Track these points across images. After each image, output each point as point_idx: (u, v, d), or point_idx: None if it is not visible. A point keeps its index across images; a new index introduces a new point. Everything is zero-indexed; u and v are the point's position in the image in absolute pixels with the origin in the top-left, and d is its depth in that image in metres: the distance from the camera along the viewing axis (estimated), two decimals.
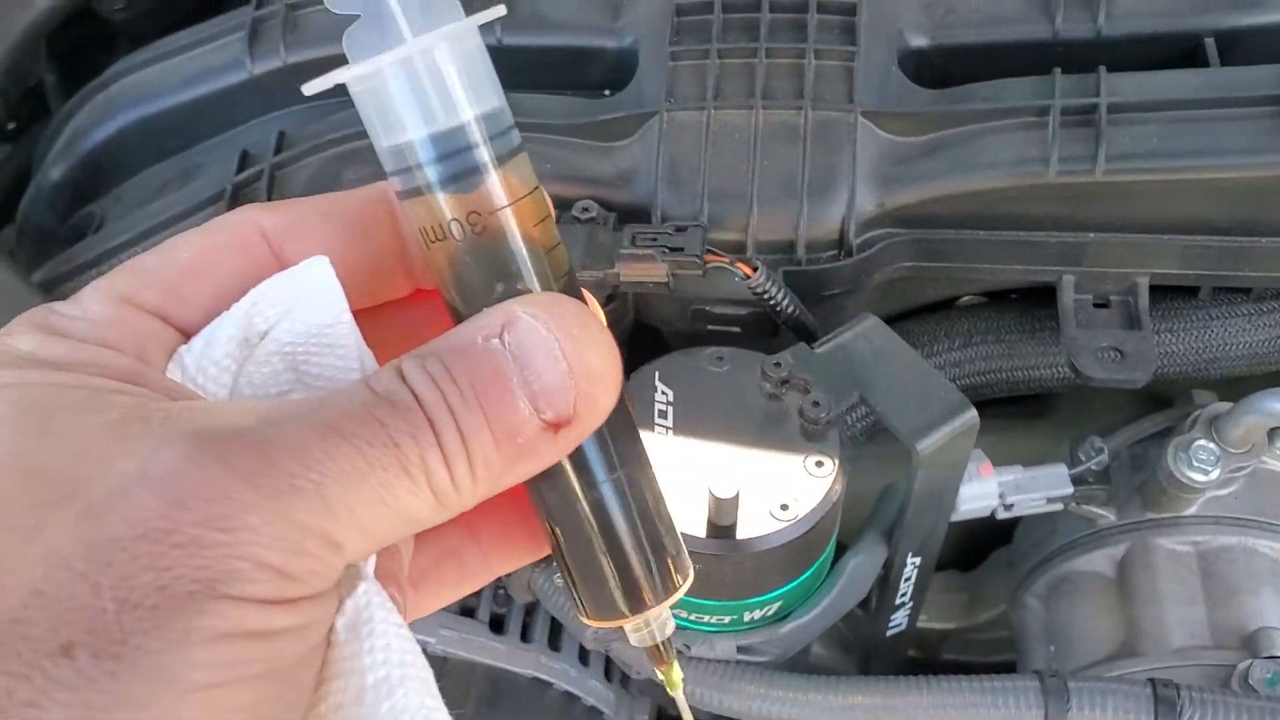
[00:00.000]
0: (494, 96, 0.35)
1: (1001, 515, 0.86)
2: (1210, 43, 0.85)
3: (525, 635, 0.89)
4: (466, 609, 0.90)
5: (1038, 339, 0.87)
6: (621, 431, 0.37)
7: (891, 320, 0.81)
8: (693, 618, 0.76)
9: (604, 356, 0.34)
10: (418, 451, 0.31)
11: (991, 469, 0.84)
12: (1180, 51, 0.86)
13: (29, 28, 0.98)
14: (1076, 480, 0.86)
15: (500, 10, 0.37)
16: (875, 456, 0.81)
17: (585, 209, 0.81)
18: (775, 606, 0.76)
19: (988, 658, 1.04)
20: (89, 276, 0.87)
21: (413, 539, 0.38)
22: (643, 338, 0.89)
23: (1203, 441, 0.82)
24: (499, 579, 0.88)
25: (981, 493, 0.84)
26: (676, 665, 0.43)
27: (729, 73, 0.83)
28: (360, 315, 0.37)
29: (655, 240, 0.77)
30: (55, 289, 0.87)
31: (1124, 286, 0.83)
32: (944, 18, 0.88)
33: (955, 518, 0.83)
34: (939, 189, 0.80)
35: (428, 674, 0.34)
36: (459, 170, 0.34)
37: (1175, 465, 0.82)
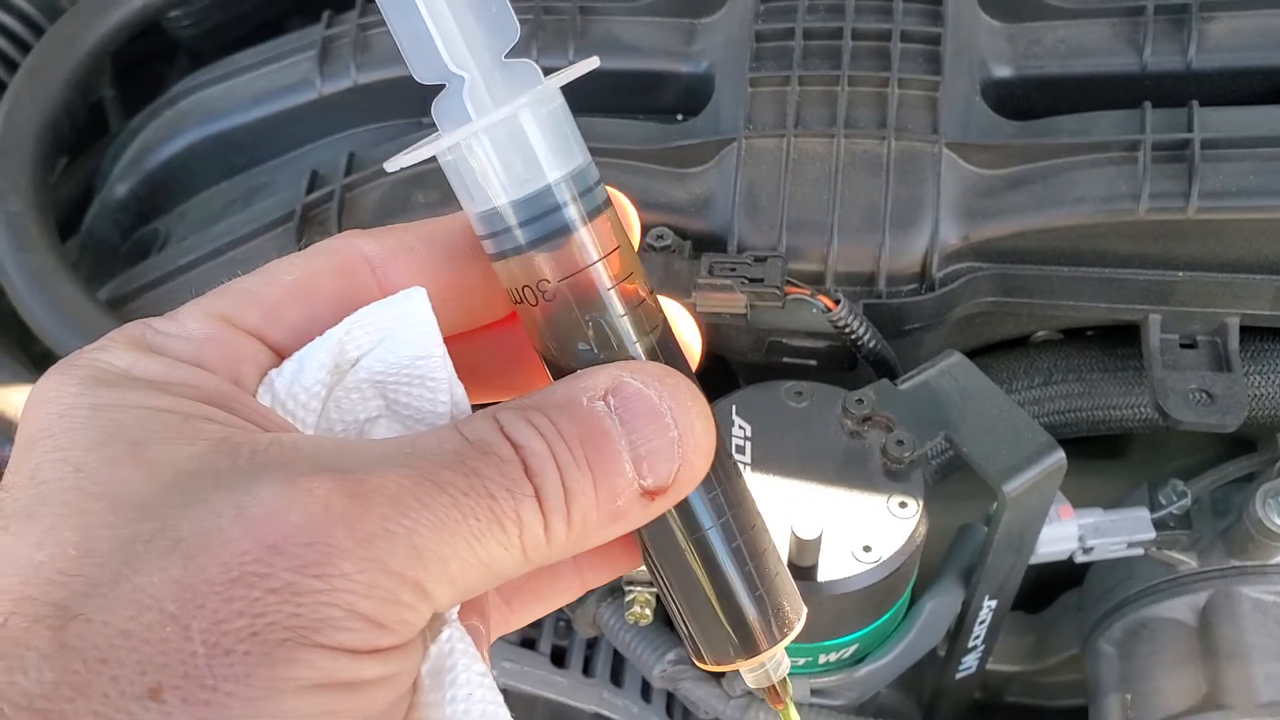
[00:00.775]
0: (578, 154, 0.36)
1: (1080, 559, 0.84)
2: None
3: (587, 669, 0.87)
4: (527, 640, 0.89)
5: (1119, 379, 0.84)
6: (726, 476, 0.38)
7: (969, 356, 0.79)
8: None
9: (708, 427, 0.35)
10: (513, 504, 0.31)
11: (1071, 511, 0.82)
12: (1271, 87, 0.84)
13: (98, 42, 0.97)
14: (1157, 524, 0.84)
15: (583, 68, 0.36)
16: (949, 495, 0.79)
17: (660, 236, 0.79)
18: (852, 649, 0.74)
19: (1053, 701, 1.02)
20: (155, 296, 0.87)
21: None
22: (710, 367, 0.88)
23: None
24: (561, 611, 0.87)
25: (1061, 535, 0.82)
26: (792, 705, 0.43)
27: (809, 100, 0.81)
28: (455, 337, 0.37)
29: (734, 270, 0.76)
30: (122, 308, 0.86)
31: (1212, 327, 0.80)
32: (1028, 48, 0.86)
33: (1033, 560, 0.81)
34: (1025, 224, 0.78)
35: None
36: (545, 232, 0.35)
37: (1264, 511, 0.79)
